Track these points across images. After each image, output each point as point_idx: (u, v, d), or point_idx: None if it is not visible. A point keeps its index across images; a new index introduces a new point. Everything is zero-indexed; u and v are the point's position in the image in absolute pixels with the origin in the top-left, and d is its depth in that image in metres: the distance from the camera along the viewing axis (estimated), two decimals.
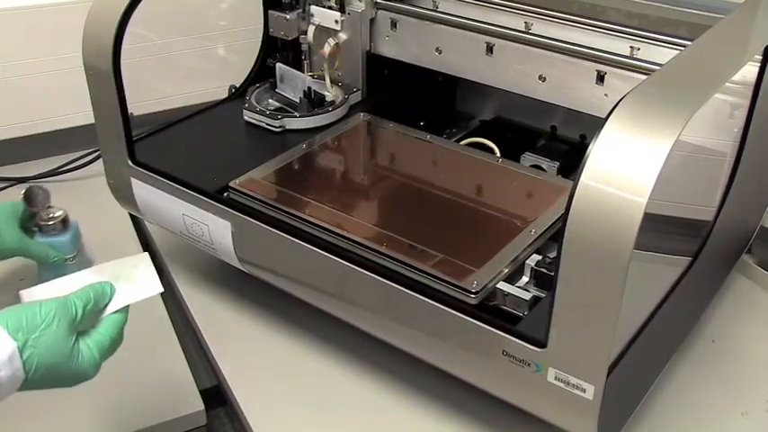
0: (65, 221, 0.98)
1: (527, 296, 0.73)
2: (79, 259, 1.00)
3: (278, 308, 0.96)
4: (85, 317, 0.63)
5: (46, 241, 0.97)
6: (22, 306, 0.60)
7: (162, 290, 0.69)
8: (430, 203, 0.87)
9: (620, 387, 0.66)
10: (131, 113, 0.91)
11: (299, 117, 1.01)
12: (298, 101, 1.05)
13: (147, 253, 0.72)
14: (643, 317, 0.72)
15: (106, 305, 0.66)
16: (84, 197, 1.03)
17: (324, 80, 1.05)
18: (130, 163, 0.92)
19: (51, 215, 0.97)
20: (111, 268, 0.69)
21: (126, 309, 0.67)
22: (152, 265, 0.70)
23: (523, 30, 0.94)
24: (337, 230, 0.79)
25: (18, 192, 1.19)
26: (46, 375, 0.59)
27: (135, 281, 0.68)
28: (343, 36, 1.05)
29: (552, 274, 0.62)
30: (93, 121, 0.94)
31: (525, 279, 0.77)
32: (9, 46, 1.21)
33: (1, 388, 0.56)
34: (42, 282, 0.98)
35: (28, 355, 0.58)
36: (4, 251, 0.92)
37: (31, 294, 0.66)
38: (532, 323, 0.68)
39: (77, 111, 1.25)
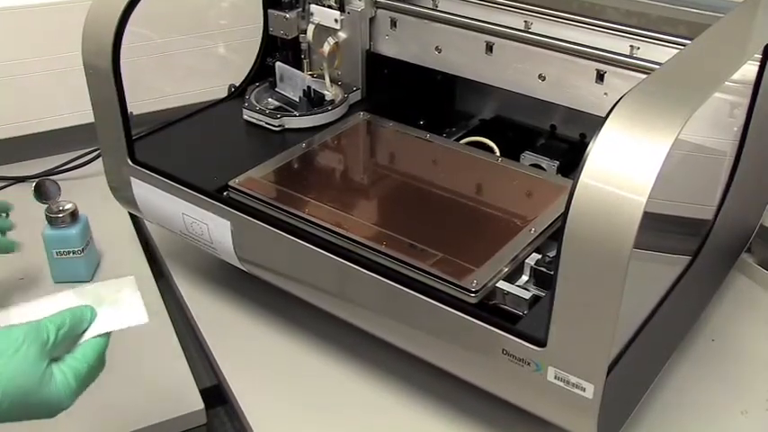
0: (74, 214, 0.98)
1: (527, 295, 0.73)
2: (88, 252, 1.01)
3: (278, 308, 0.96)
4: (59, 342, 0.58)
5: (55, 234, 0.98)
6: None
7: (147, 320, 0.64)
8: (430, 202, 0.87)
9: (619, 386, 0.66)
10: (131, 113, 0.91)
11: (299, 116, 1.01)
12: (297, 100, 1.04)
13: (132, 276, 0.67)
14: (643, 316, 0.72)
15: (85, 330, 0.61)
16: (82, 197, 1.03)
17: (323, 79, 1.05)
18: (130, 162, 0.92)
19: (61, 208, 0.98)
20: (94, 290, 0.65)
21: (108, 333, 0.62)
22: (137, 289, 0.66)
23: (523, 29, 0.94)
24: (337, 229, 0.79)
25: (17, 191, 1.20)
26: (15, 404, 0.54)
27: (119, 305, 0.64)
28: (342, 35, 1.05)
29: (552, 272, 0.62)
30: (90, 120, 0.94)
31: (525, 278, 0.77)
32: (6, 45, 1.21)
33: None
34: (50, 270, 0.99)
35: None
36: None
37: (7, 317, 0.63)
38: (532, 322, 0.68)
39: (75, 110, 1.25)
